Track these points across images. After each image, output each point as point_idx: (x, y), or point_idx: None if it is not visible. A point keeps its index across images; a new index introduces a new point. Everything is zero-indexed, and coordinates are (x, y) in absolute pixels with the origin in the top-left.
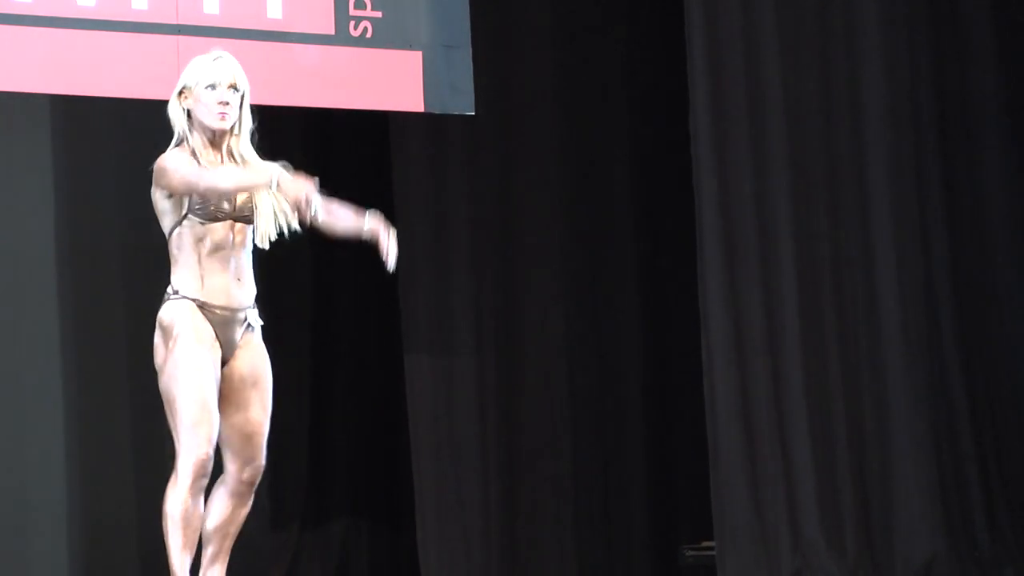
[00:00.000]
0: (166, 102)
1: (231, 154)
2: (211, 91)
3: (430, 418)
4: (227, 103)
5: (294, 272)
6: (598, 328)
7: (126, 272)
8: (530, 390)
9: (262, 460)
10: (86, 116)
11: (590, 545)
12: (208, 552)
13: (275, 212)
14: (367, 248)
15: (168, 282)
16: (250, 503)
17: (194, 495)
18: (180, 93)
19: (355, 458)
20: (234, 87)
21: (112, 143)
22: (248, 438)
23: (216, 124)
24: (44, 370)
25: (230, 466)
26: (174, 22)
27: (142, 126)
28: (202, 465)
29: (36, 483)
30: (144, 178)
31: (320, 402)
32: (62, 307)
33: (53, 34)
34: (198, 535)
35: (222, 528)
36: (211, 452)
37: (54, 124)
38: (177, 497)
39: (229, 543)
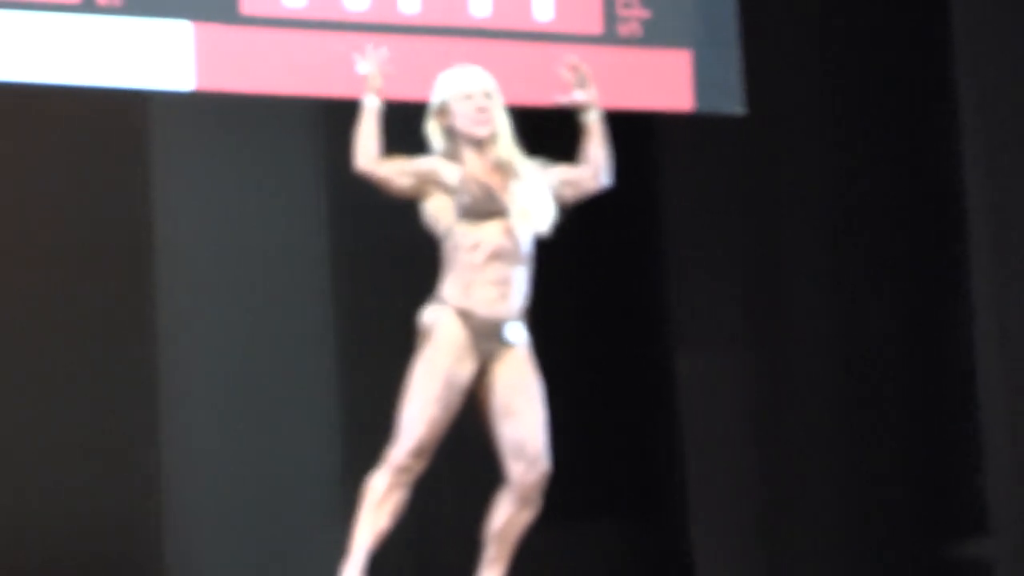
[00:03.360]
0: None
1: (498, 162)
2: (467, 101)
3: None
4: (485, 108)
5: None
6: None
7: (398, 273)
8: None
9: (544, 463)
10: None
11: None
12: (487, 555)
13: (528, 207)
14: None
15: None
16: (535, 507)
17: (392, 485)
18: (438, 112)
19: None
20: (487, 94)
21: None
22: (521, 444)
23: (478, 131)
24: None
25: (511, 472)
26: (444, 25)
27: (412, 128)
28: (403, 460)
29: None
30: None
31: None
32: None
33: (323, 38)
34: (385, 523)
35: (502, 532)
36: (416, 453)
37: (320, 127)
38: (374, 482)
39: (507, 548)
